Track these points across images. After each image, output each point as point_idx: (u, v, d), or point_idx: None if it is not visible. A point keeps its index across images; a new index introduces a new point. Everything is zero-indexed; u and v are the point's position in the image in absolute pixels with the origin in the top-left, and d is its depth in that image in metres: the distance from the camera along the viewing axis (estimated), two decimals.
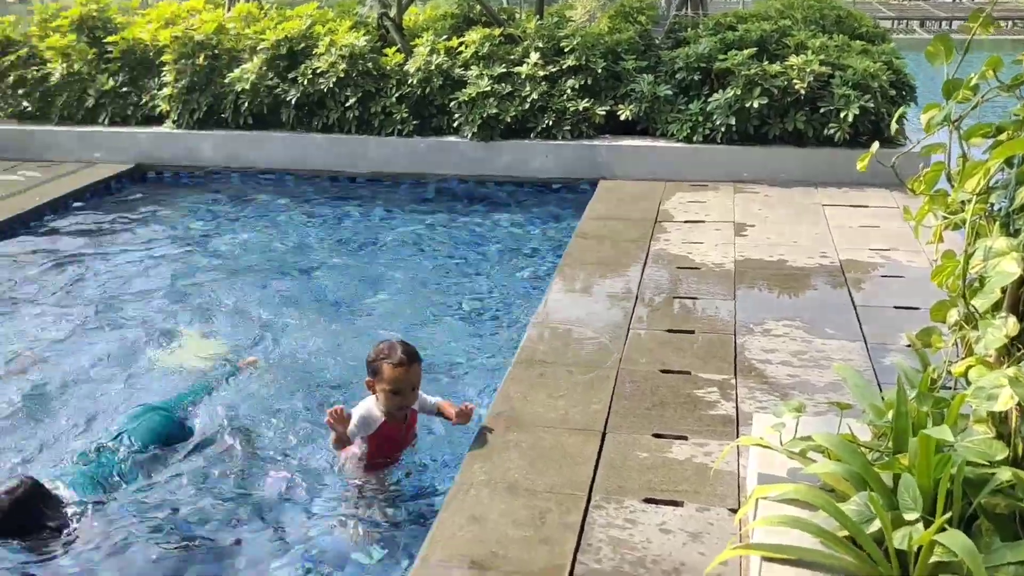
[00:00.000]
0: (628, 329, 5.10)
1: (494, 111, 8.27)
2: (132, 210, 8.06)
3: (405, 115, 8.51)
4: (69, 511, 3.75)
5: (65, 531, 3.68)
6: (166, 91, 9.02)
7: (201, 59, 8.90)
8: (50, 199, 7.94)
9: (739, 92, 7.96)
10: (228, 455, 4.28)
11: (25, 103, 9.46)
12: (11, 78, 9.45)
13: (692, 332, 5.05)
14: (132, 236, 7.43)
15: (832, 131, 7.81)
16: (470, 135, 8.35)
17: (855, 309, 5.28)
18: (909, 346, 4.01)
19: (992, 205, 2.93)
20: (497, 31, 8.83)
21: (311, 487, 4.04)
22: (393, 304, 6.07)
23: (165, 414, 4.39)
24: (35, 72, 9.39)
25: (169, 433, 4.32)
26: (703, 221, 6.93)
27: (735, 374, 4.53)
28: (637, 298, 5.52)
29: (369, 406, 4.06)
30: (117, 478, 4.00)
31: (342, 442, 4.00)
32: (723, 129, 8.02)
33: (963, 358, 2.94)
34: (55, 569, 3.55)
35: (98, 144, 9.06)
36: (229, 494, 4.00)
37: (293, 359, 5.25)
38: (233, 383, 4.88)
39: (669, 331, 5.08)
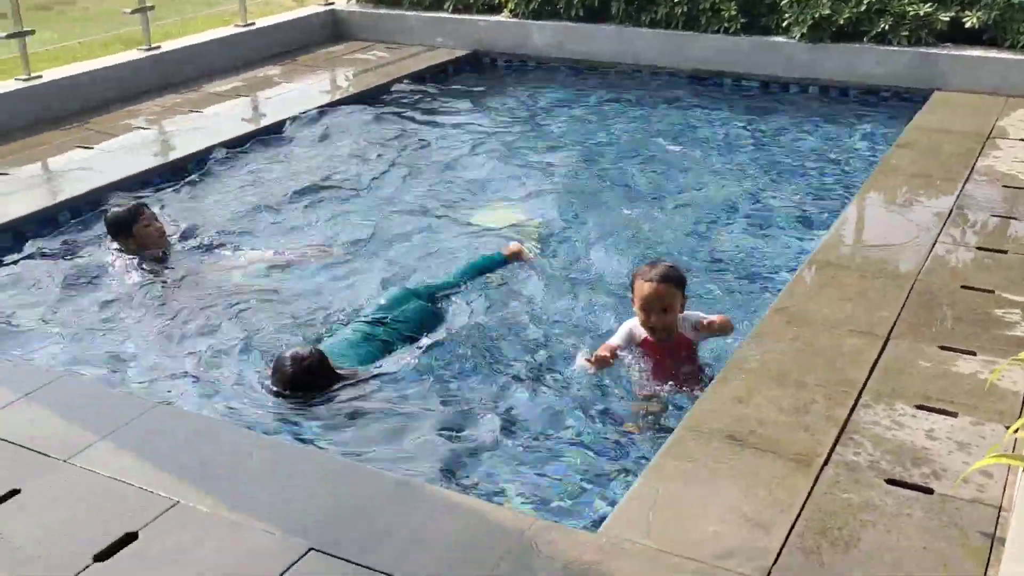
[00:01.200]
0: (935, 242, 4.90)
1: (827, 12, 7.97)
2: (465, 92, 8.58)
3: (733, 12, 8.39)
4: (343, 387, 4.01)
5: (337, 401, 3.95)
6: None
7: None
8: (392, 78, 8.61)
9: None
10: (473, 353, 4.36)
11: None
12: None
13: (1005, 252, 4.78)
14: (461, 115, 7.95)
15: None
16: (799, 35, 8.12)
17: None
18: None
19: None
20: None
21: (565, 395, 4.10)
22: (694, 200, 6.15)
23: (422, 304, 4.55)
24: None
25: (422, 321, 4.47)
26: None
27: None
28: (951, 212, 5.27)
29: (634, 322, 4.13)
30: (379, 365, 4.20)
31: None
32: None
33: None
34: (322, 433, 3.85)
35: (441, 29, 9.66)
36: (484, 391, 4.12)
37: (576, 251, 5.45)
38: (498, 274, 5.05)
39: (979, 248, 4.84)
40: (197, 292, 4.88)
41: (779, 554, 2.80)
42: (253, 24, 9.37)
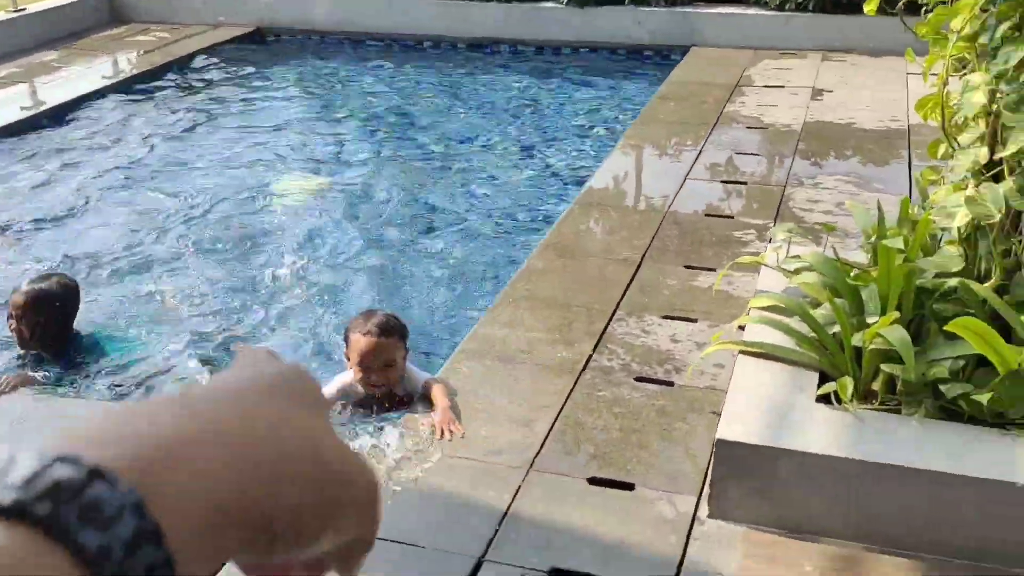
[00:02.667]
0: (685, 178, 5.43)
1: None
2: (250, 69, 8.65)
3: None
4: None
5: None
6: None
7: None
8: (174, 58, 8.58)
9: None
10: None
11: None
12: None
13: (744, 183, 5.36)
14: (245, 91, 8.04)
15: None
16: (565, 1, 8.61)
17: (909, 168, 5.47)
18: None
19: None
20: None
21: None
22: (478, 158, 6.53)
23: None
24: None
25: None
26: (783, 87, 7.10)
27: (775, 220, 4.85)
28: (701, 152, 5.82)
29: (348, 377, 3.60)
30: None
31: None
32: None
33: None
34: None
35: (223, 7, 9.64)
36: None
37: (366, 212, 5.76)
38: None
39: (724, 182, 5.40)
40: None
41: (542, 446, 3.18)
42: (24, 9, 9.11)
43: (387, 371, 3.50)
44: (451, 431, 3.25)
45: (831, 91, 6.95)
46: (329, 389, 3.57)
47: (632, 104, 7.47)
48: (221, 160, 6.49)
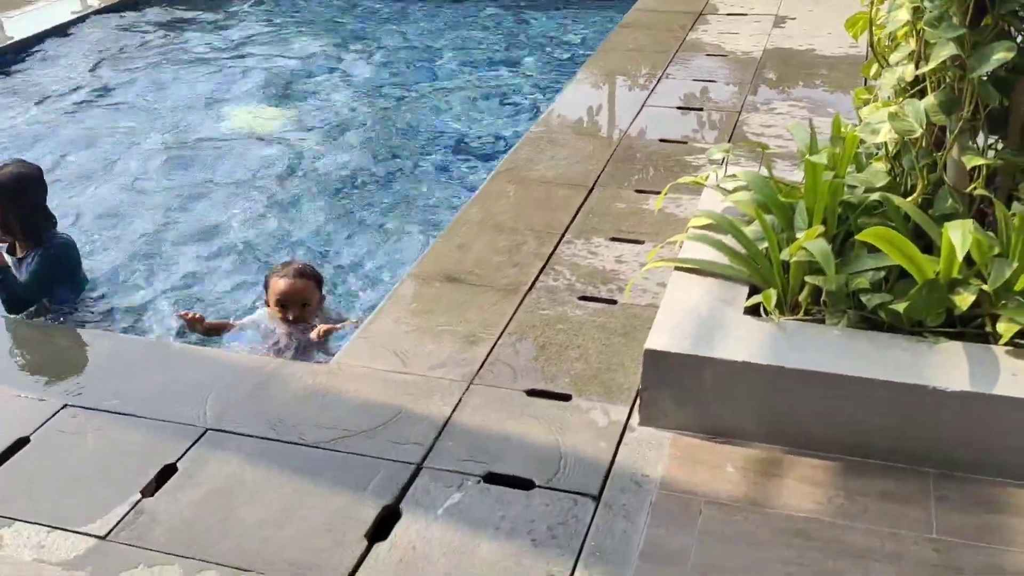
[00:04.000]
0: (643, 106, 5.49)
1: None
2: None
3: None
4: None
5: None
6: None
7: None
8: None
9: None
10: None
11: None
12: None
13: (701, 109, 5.42)
14: (204, 24, 8.02)
15: None
16: None
17: None
18: None
19: None
20: None
21: None
22: (439, 85, 6.56)
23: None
24: None
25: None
26: (745, 15, 7.12)
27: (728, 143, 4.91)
28: (660, 79, 5.87)
29: (263, 314, 4.06)
30: None
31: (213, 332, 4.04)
32: None
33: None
34: None
35: None
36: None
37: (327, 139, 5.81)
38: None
39: (679, 108, 5.46)
40: None
41: (484, 362, 3.29)
42: None
43: (303, 310, 3.93)
44: (318, 335, 3.80)
45: (793, 18, 6.98)
46: (243, 320, 4.07)
47: (596, 32, 7.48)
48: (179, 93, 6.50)
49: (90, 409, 3.10)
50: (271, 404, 3.12)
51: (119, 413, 3.08)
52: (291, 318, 3.91)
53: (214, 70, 6.94)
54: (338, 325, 3.94)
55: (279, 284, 3.92)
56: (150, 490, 2.76)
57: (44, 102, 6.39)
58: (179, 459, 2.87)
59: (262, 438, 2.95)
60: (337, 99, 6.35)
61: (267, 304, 4.01)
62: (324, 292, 4.11)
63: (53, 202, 4.43)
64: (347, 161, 5.45)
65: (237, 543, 2.56)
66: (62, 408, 3.11)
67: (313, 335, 3.83)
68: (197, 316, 3.93)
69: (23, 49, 7.15)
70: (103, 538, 2.60)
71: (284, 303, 3.91)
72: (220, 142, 5.76)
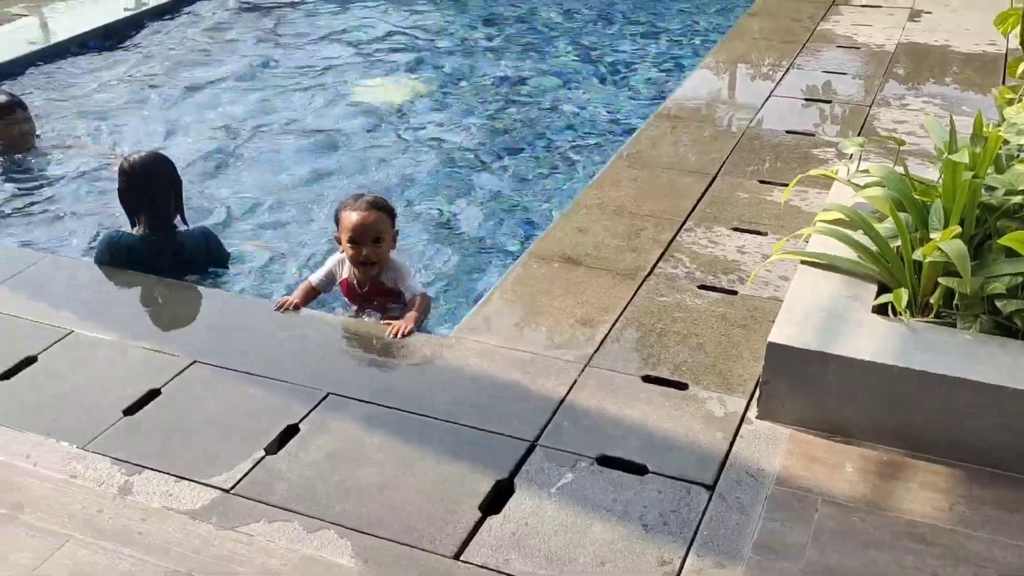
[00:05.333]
0: (769, 95, 5.39)
1: None
2: None
3: None
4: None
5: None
6: None
7: None
8: None
9: None
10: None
11: None
12: None
13: (829, 102, 5.30)
14: None
15: None
16: None
17: None
18: None
19: None
20: None
21: None
22: (563, 70, 6.55)
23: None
24: None
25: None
26: (880, 7, 6.92)
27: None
28: (788, 70, 5.75)
29: (338, 258, 3.81)
30: None
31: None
32: None
33: None
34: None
35: None
36: None
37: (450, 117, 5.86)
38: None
39: (808, 99, 5.34)
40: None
41: (600, 345, 3.29)
42: None
43: (376, 247, 3.61)
44: (402, 333, 3.40)
45: (929, 12, 6.76)
46: (318, 273, 3.77)
47: (724, 19, 7.37)
48: (303, 66, 6.64)
49: (218, 367, 3.21)
50: (390, 372, 3.18)
51: (246, 372, 3.18)
52: (363, 259, 3.61)
53: (344, 44, 7.06)
54: (408, 325, 3.46)
55: (351, 218, 3.59)
56: (273, 448, 2.85)
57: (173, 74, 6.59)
58: (301, 420, 2.95)
59: (381, 405, 3.01)
60: (461, 74, 6.40)
61: (338, 242, 3.71)
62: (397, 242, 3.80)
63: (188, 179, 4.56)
64: (468, 138, 5.49)
65: (354, 505, 2.62)
66: (191, 364, 3.23)
67: (394, 332, 3.43)
68: (291, 303, 3.63)
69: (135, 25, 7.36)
70: (227, 491, 2.69)
71: (356, 239, 3.58)
72: (346, 116, 5.87)
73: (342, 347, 3.34)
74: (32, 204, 4.82)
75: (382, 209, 3.64)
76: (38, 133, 5.39)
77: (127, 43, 7.07)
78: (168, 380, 3.15)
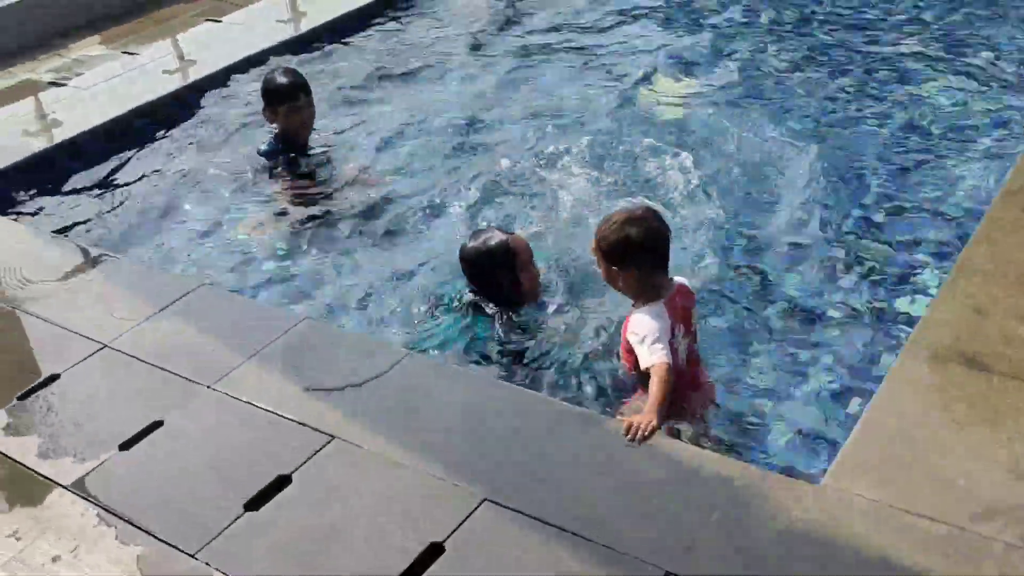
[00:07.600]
0: None
1: None
2: None
3: None
4: None
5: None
6: None
7: None
8: None
9: None
10: None
11: None
12: None
13: None
14: None
15: None
16: None
17: None
18: None
19: None
20: None
21: None
22: (888, 63, 5.35)
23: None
24: None
25: None
26: None
27: None
28: None
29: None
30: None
31: None
32: None
33: None
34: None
35: None
36: None
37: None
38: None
39: None
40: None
41: None
42: None
43: None
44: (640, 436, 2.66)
45: None
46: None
47: None
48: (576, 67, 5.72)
49: (514, 511, 2.43)
50: (746, 536, 2.31)
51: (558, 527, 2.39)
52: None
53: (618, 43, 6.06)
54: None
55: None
56: None
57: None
58: None
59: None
60: (758, 72, 5.34)
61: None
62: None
63: None
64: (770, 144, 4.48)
65: None
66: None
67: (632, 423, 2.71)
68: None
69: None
70: None
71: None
72: (639, 114, 4.97)
73: (686, 495, 2.47)
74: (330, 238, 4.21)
75: None
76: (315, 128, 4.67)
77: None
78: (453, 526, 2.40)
